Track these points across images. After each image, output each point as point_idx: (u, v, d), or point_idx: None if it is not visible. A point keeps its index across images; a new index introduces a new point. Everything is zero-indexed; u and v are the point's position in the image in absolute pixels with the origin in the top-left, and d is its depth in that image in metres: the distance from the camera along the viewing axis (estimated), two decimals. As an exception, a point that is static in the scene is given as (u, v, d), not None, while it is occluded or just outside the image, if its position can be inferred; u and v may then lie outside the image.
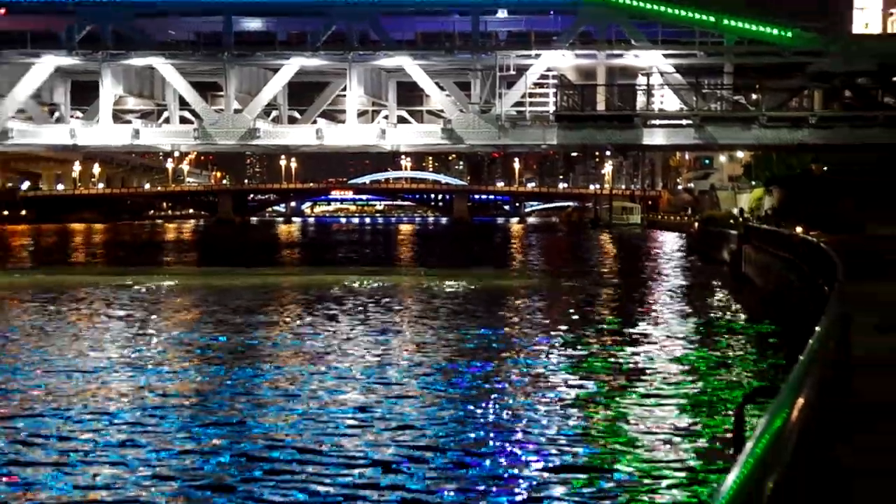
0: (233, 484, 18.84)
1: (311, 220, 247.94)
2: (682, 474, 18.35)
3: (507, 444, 21.62)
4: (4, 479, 18.82)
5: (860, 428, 10.69)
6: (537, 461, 20.34)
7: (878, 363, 15.54)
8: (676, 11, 64.22)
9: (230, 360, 32.80)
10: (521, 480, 18.87)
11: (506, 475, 19.29)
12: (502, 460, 20.46)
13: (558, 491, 18.15)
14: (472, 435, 22.37)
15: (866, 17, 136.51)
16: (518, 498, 17.93)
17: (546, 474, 19.41)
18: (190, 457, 20.83)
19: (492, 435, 22.83)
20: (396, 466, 19.48)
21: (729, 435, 17.88)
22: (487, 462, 20.33)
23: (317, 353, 34.41)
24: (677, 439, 21.29)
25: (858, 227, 60.59)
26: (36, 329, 41.11)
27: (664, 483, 17.79)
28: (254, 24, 70.26)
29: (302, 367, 31.61)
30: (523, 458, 20.69)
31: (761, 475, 3.86)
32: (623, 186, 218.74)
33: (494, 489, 18.39)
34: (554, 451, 21.00)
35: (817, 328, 9.77)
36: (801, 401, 5.37)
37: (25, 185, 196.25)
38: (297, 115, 70.97)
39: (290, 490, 18.25)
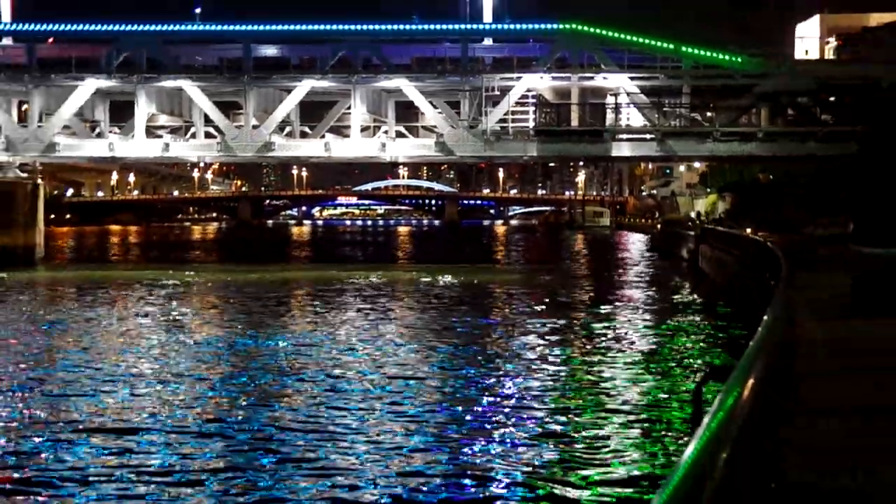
0: (253, 439, 19.41)
1: (320, 222, 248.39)
2: (645, 446, 18.28)
3: (487, 411, 21.85)
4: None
5: (801, 407, 10.64)
6: (512, 427, 20.44)
7: (817, 346, 15.53)
8: (640, 40, 64.52)
9: (250, 341, 33.22)
10: (496, 443, 18.87)
11: (484, 437, 19.44)
12: (483, 423, 20.68)
13: (529, 454, 18.14)
14: (458, 401, 22.70)
15: (806, 45, 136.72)
16: (494, 456, 17.98)
17: (518, 437, 19.48)
18: (216, 413, 21.97)
19: (474, 401, 23.20)
20: (395, 428, 19.96)
21: (687, 410, 17.84)
22: (470, 419, 20.82)
23: (326, 336, 34.68)
24: (641, 414, 21.29)
25: (797, 227, 60.81)
26: (79, 316, 41.61)
27: (627, 455, 17.75)
28: (270, 50, 70.43)
29: (312, 347, 32.07)
30: (501, 422, 20.85)
31: (716, 448, 3.83)
32: (594, 193, 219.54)
33: (475, 447, 18.62)
34: (527, 419, 21.14)
35: (765, 316, 9.71)
36: (751, 381, 5.34)
37: (70, 192, 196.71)
38: (307, 130, 70.96)
39: (304, 445, 18.64)
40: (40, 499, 15.83)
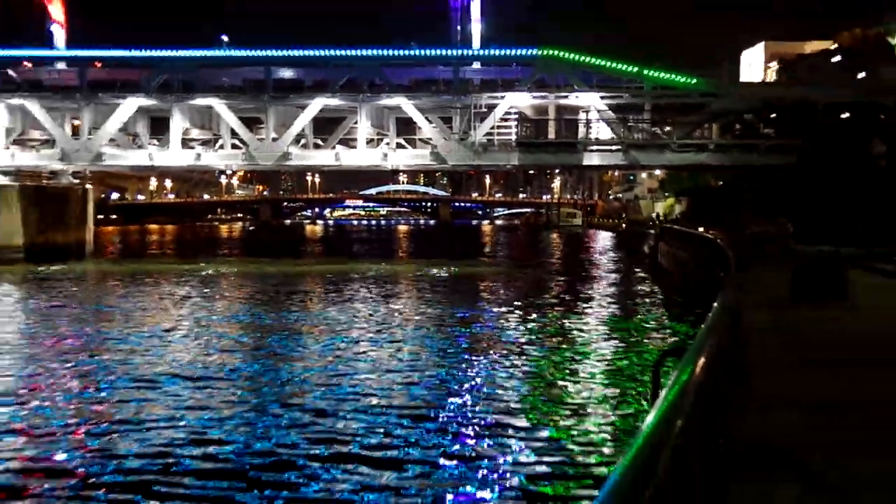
0: (273, 410, 19.41)
1: (331, 222, 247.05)
2: (610, 416, 18.33)
3: (472, 382, 22.04)
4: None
5: (746, 381, 10.70)
6: (492, 397, 20.48)
7: (761, 331, 15.58)
8: (608, 64, 64.41)
9: (269, 323, 33.43)
10: (479, 412, 18.81)
11: (470, 403, 19.49)
12: (467, 394, 20.69)
13: (507, 419, 18.13)
14: (447, 375, 22.77)
15: (752, 69, 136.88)
16: (475, 420, 17.99)
17: (497, 405, 19.48)
18: (240, 383, 22.35)
19: (460, 374, 23.30)
20: (395, 397, 19.86)
21: (647, 385, 17.89)
22: (455, 389, 20.88)
23: (335, 318, 34.73)
24: (606, 388, 21.34)
25: (744, 226, 60.82)
26: (122, 301, 41.89)
27: (594, 423, 17.78)
28: (287, 73, 70.11)
29: (323, 328, 32.17)
30: (484, 392, 20.91)
31: (672, 417, 3.82)
32: (568, 196, 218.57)
33: (460, 413, 18.60)
34: (506, 388, 21.23)
35: (715, 303, 9.75)
36: (702, 360, 5.33)
37: (115, 195, 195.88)
38: (320, 142, 70.60)
39: (317, 413, 18.63)
40: (90, 444, 15.89)
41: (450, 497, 13.73)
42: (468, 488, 14.18)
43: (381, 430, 17.56)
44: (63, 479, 14.80)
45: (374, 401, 20.44)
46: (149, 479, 14.69)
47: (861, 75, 68.69)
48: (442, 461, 15.68)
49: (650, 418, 3.72)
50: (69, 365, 25.00)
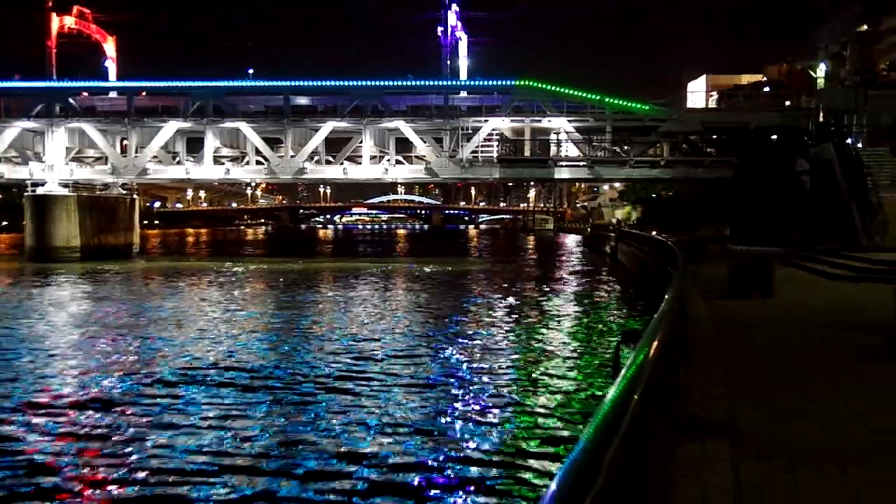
0: (289, 371, 19.39)
1: (340, 226, 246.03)
2: (578, 390, 18.33)
3: (459, 357, 21.91)
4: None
5: (690, 358, 10.84)
6: (477, 369, 20.39)
7: (701, 318, 15.75)
8: (575, 93, 64.46)
9: (289, 311, 33.20)
10: (465, 382, 18.59)
11: (457, 374, 19.10)
12: (454, 366, 20.36)
13: (489, 391, 17.99)
14: (437, 351, 22.46)
15: (696, 97, 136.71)
16: (464, 385, 17.80)
17: (482, 374, 19.32)
18: (260, 352, 22.33)
19: (448, 349, 23.21)
20: (395, 375, 19.42)
21: (609, 363, 17.97)
22: (444, 361, 20.41)
23: (343, 308, 34.57)
24: (576, 363, 21.36)
25: (690, 229, 60.97)
26: (163, 291, 41.63)
27: (564, 396, 17.73)
28: (303, 100, 69.83)
29: (333, 315, 31.94)
30: (470, 365, 20.76)
31: (631, 388, 3.90)
32: (541, 205, 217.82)
33: (446, 384, 18.20)
34: (489, 362, 21.15)
35: (666, 295, 9.85)
36: (655, 342, 5.42)
37: (157, 204, 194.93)
38: (331, 158, 70.17)
39: (329, 389, 18.21)
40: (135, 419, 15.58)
41: (442, 447, 13.50)
42: (452, 440, 14.09)
43: (380, 388, 18.00)
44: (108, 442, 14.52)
45: (376, 368, 21.02)
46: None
47: (787, 103, 68.70)
48: (432, 418, 15.71)
49: (612, 390, 3.77)
50: (112, 340, 25.94)
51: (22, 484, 12.25)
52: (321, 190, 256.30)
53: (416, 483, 12.16)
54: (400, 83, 67.93)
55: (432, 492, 11.81)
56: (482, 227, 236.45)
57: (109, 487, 12.20)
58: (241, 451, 13.78)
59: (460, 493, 11.69)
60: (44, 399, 17.55)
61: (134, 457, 13.42)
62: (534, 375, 19.96)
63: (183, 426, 15.24)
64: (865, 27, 77.04)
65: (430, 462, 13.22)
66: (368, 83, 66.93)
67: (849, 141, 49.54)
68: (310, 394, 18.05)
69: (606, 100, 64.42)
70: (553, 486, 2.45)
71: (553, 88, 64.80)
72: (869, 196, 36.20)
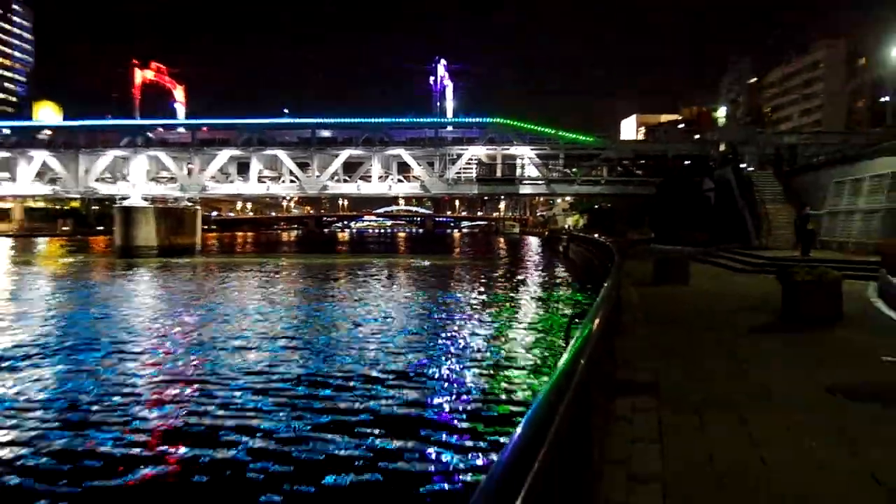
0: (318, 341, 18.71)
1: (354, 230, 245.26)
2: (536, 358, 18.27)
3: (443, 330, 21.74)
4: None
5: (624, 332, 10.84)
6: (460, 340, 20.00)
7: (635, 303, 15.77)
8: (536, 128, 64.62)
9: (315, 296, 32.96)
10: (449, 349, 18.27)
11: (441, 342, 18.84)
12: (438, 335, 20.16)
13: (464, 354, 17.73)
14: (431, 326, 22.22)
15: (628, 130, 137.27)
16: (442, 352, 17.38)
17: (458, 345, 18.85)
18: (297, 326, 21.49)
19: (438, 325, 22.64)
20: (399, 348, 19.09)
21: (561, 337, 17.96)
22: (430, 332, 20.29)
23: (358, 291, 34.43)
24: (534, 338, 21.30)
25: (623, 233, 61.13)
26: (220, 279, 41.22)
27: (523, 362, 17.59)
28: (325, 133, 69.58)
29: (348, 296, 31.71)
30: (448, 336, 20.45)
31: (579, 356, 3.89)
32: (510, 213, 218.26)
33: (432, 353, 17.94)
34: (465, 334, 20.79)
35: (605, 283, 9.89)
36: (597, 321, 5.43)
37: (214, 213, 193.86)
38: (347, 178, 69.90)
39: (343, 354, 17.73)
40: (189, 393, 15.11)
41: (428, 394, 13.28)
42: (437, 389, 13.89)
43: (380, 353, 17.72)
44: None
45: (379, 336, 20.94)
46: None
47: (696, 136, 68.99)
48: (415, 379, 15.42)
49: (564, 357, 3.75)
50: (183, 312, 26.38)
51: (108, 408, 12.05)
52: (340, 202, 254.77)
53: (407, 418, 11.92)
54: (400, 120, 67.93)
55: (423, 431, 11.56)
56: (464, 231, 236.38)
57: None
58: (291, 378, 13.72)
59: (443, 433, 11.49)
60: (150, 344, 17.46)
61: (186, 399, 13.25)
62: (504, 345, 19.84)
63: (251, 370, 15.16)
64: (755, 79, 77.17)
65: (421, 403, 13.19)
66: (376, 120, 67.12)
67: (742, 166, 49.84)
68: (342, 340, 17.98)
69: (560, 133, 64.54)
70: (518, 430, 2.46)
71: (518, 125, 64.97)
72: (758, 208, 36.36)
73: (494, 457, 10.89)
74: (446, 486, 9.43)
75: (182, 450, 10.87)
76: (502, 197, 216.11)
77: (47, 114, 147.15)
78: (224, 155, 66.98)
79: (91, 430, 11.77)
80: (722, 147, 60.08)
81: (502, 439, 11.16)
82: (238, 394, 14.09)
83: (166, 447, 11.00)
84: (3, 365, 16.84)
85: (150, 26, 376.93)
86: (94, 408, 13.11)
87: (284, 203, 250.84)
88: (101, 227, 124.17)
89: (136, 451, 10.80)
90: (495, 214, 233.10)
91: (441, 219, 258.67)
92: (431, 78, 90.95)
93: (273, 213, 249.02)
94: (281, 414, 12.68)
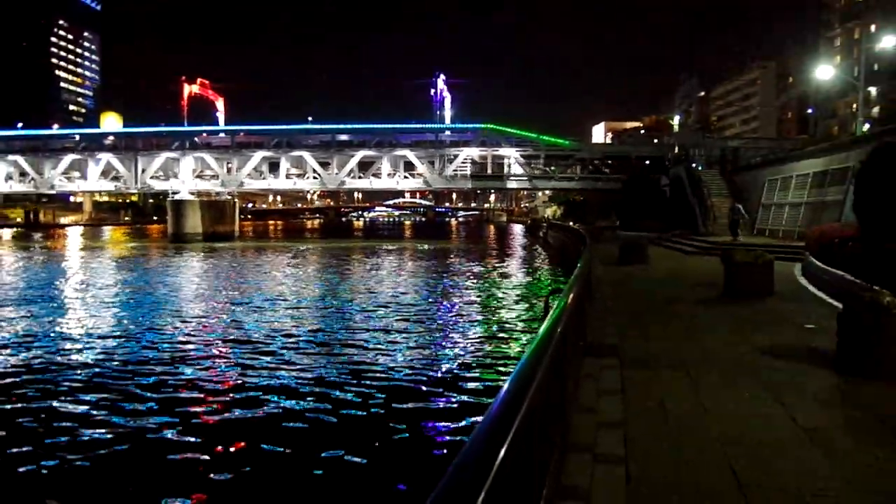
0: (333, 310, 18.50)
1: (368, 219, 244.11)
2: (519, 328, 18.15)
3: (443, 299, 21.62)
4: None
5: (593, 303, 10.90)
6: (457, 309, 19.70)
7: (603, 279, 15.82)
8: (520, 132, 64.48)
9: (335, 274, 32.86)
10: (447, 319, 18.10)
11: (440, 309, 18.65)
12: (438, 303, 19.89)
13: (461, 325, 17.34)
14: (430, 302, 21.93)
15: (598, 135, 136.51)
16: (442, 316, 17.15)
17: (456, 312, 18.67)
18: (317, 297, 21.22)
19: (434, 299, 22.22)
20: (403, 324, 18.61)
21: (541, 308, 17.94)
22: (432, 301, 19.99)
23: (371, 271, 34.40)
24: (518, 311, 21.30)
25: (593, 222, 61.00)
26: (256, 260, 41.01)
27: (508, 332, 17.41)
28: (343, 136, 69.02)
29: (363, 276, 31.56)
30: (451, 307, 20.13)
31: (556, 325, 3.86)
32: (499, 205, 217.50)
33: (427, 325, 17.69)
34: (460, 305, 20.54)
35: (579, 263, 9.93)
36: (572, 294, 5.41)
37: (250, 205, 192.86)
38: (361, 175, 69.50)
39: (347, 329, 17.36)
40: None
41: (419, 358, 13.09)
42: (436, 352, 13.69)
43: (387, 321, 17.22)
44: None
45: (389, 306, 20.69)
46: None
47: (655, 141, 68.81)
48: (416, 339, 15.27)
49: (544, 325, 3.74)
50: (229, 277, 28.60)
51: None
52: (355, 195, 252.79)
53: (405, 376, 11.78)
54: (406, 126, 67.92)
55: (423, 389, 11.37)
56: (460, 219, 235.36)
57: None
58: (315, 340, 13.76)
59: (441, 389, 11.33)
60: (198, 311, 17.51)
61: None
62: (493, 316, 19.78)
63: (277, 333, 15.31)
64: (703, 94, 76.69)
65: (428, 350, 13.36)
66: (386, 126, 66.88)
67: (693, 165, 49.80)
68: (358, 309, 17.97)
69: (541, 137, 64.28)
70: (506, 385, 2.52)
71: (506, 130, 64.74)
72: (705, 201, 36.41)
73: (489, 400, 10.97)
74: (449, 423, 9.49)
75: (231, 374, 12.27)
76: (492, 191, 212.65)
77: (111, 122, 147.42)
78: (258, 156, 66.64)
79: (180, 365, 13.39)
80: (676, 150, 60.02)
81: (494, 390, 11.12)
82: (280, 340, 15.81)
83: (223, 374, 12.37)
84: (108, 312, 20.35)
85: (184, 39, 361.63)
86: (177, 346, 15.20)
87: (309, 196, 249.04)
88: (156, 217, 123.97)
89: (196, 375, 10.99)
90: (486, 205, 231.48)
91: (440, 209, 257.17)
92: (432, 90, 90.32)
93: (299, 205, 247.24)
94: (314, 351, 14.38)
